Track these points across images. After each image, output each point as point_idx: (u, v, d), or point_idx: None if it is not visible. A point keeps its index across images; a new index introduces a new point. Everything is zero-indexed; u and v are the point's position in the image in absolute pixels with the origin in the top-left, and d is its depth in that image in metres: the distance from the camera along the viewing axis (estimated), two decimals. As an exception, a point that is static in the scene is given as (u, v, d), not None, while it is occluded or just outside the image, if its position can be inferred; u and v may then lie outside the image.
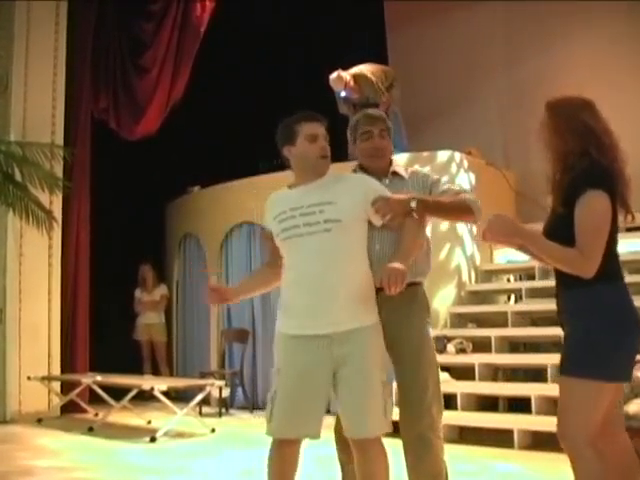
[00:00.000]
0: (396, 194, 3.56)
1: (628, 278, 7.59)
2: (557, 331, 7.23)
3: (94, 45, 9.84)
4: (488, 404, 7.30)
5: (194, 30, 9.56)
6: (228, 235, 10.15)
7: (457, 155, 8.80)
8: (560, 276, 3.17)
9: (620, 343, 2.99)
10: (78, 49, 9.67)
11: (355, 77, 9.15)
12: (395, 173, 3.83)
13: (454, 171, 8.68)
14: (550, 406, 6.61)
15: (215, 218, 10.32)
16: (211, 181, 10.26)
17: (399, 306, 3.54)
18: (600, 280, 3.01)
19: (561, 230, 3.08)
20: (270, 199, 3.75)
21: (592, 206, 3.01)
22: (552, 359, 6.86)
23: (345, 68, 9.13)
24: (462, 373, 7.56)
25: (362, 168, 3.87)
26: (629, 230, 8.28)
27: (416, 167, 4.31)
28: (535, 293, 8.13)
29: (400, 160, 8.69)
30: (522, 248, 3.30)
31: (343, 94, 9.14)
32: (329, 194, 3.52)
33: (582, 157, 3.08)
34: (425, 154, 8.75)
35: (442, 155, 8.70)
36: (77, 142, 9.57)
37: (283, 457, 3.50)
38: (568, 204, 3.07)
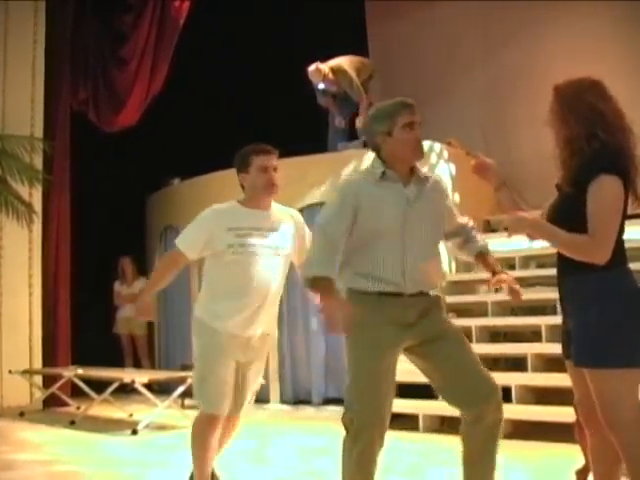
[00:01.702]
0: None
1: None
2: (537, 320, 7.31)
3: (73, 37, 9.79)
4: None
5: (173, 22, 9.55)
6: (208, 227, 10.11)
7: (437, 145, 8.81)
8: (565, 263, 3.13)
9: (629, 328, 2.99)
10: (57, 41, 9.63)
11: (333, 70, 9.16)
12: (418, 175, 3.64)
13: (434, 161, 8.70)
14: (531, 395, 6.65)
15: (196, 210, 10.14)
16: (192, 173, 10.24)
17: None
18: (609, 265, 2.99)
19: (568, 210, 3.06)
20: (224, 209, 4.28)
21: (605, 191, 2.96)
22: (532, 348, 6.91)
23: (324, 61, 9.15)
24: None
25: (388, 165, 3.54)
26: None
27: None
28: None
29: (380, 151, 8.76)
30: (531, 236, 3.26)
31: (321, 86, 9.17)
32: (279, 224, 4.22)
33: (590, 140, 3.02)
34: (405, 145, 8.75)
35: (422, 145, 8.70)
36: (57, 135, 9.54)
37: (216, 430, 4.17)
38: (577, 185, 3.02)
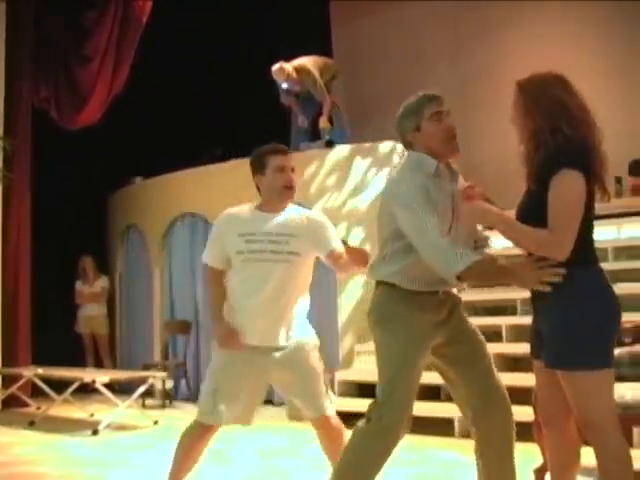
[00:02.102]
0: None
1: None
2: (498, 320, 7.38)
3: (35, 33, 9.69)
4: (431, 393, 7.37)
5: (136, 20, 9.50)
6: (171, 226, 10.11)
7: (399, 146, 8.84)
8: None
9: (608, 328, 2.99)
10: (18, 37, 9.51)
11: (297, 69, 9.18)
12: (452, 169, 3.54)
13: (396, 162, 8.73)
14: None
15: (158, 209, 10.27)
16: (154, 172, 10.20)
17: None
18: (577, 265, 2.95)
19: (534, 208, 3.01)
20: (236, 214, 4.13)
21: (566, 187, 2.92)
22: (493, 348, 6.93)
23: (288, 60, 9.16)
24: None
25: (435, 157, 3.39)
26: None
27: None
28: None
29: (342, 152, 8.80)
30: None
31: (285, 86, 9.18)
32: (292, 227, 4.03)
33: (554, 134, 2.98)
34: (367, 145, 8.82)
35: (384, 146, 8.76)
36: (17, 132, 9.43)
37: (207, 440, 4.08)
38: (541, 181, 2.98)
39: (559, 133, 2.97)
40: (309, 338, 4.18)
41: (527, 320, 7.23)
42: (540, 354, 3.13)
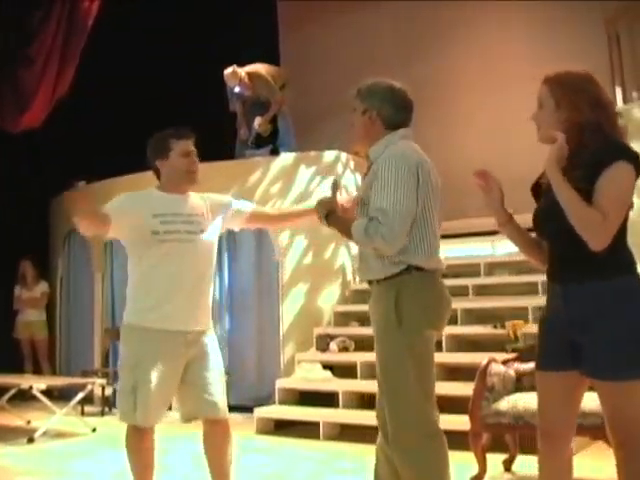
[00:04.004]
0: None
1: (508, 279, 7.91)
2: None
3: (-23, 34, 9.55)
4: (369, 402, 7.40)
5: (81, 22, 9.38)
6: (114, 232, 9.99)
7: (343, 155, 8.91)
8: (572, 268, 2.93)
9: None
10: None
11: (250, 75, 9.21)
12: None
13: (340, 171, 8.80)
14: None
15: (101, 214, 10.13)
16: (98, 176, 10.08)
17: None
18: (624, 270, 2.88)
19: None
20: (144, 195, 4.09)
21: (624, 178, 2.81)
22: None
23: (238, 66, 9.17)
24: (345, 371, 7.67)
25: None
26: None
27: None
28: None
29: (287, 160, 8.82)
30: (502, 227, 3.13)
31: (237, 89, 9.18)
32: (199, 208, 4.09)
33: (599, 129, 2.89)
34: (312, 154, 8.86)
35: (328, 155, 8.81)
36: (-43, 134, 9.29)
37: (151, 443, 4.00)
38: (590, 178, 2.83)
39: (601, 129, 2.91)
40: (212, 325, 4.14)
41: (467, 330, 7.31)
42: (563, 365, 2.98)
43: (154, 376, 3.82)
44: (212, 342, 4.06)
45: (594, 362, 2.87)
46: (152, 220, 3.92)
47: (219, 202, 4.23)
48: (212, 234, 4.09)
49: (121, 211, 3.95)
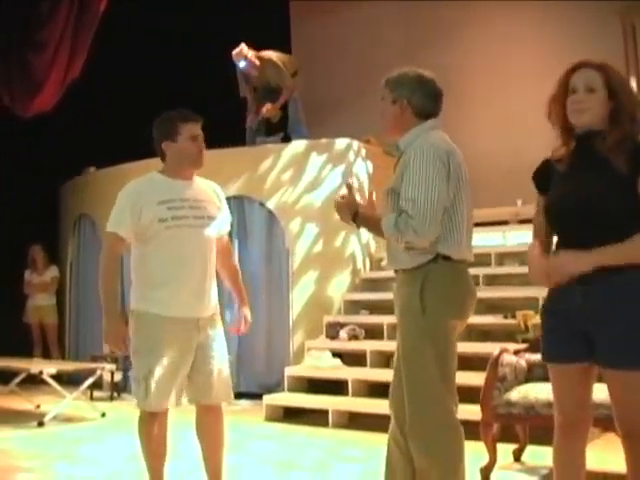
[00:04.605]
0: None
1: (518, 269, 7.88)
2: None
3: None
4: (379, 390, 7.39)
5: (93, 7, 9.36)
6: (123, 217, 9.98)
7: (355, 143, 8.88)
8: None
9: None
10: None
11: (260, 58, 9.15)
12: None
13: (352, 159, 8.77)
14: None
15: (111, 200, 10.03)
16: (109, 162, 10.07)
17: None
18: None
19: (621, 195, 2.87)
20: (148, 182, 4.04)
21: None
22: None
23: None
24: (354, 359, 7.66)
25: None
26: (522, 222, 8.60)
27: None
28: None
29: (298, 147, 8.79)
30: None
31: (242, 64, 9.09)
32: (206, 194, 4.08)
33: (637, 123, 2.94)
34: (323, 141, 8.82)
35: (340, 143, 8.77)
36: (-32, 118, 9.28)
37: (164, 429, 4.01)
38: (634, 168, 2.86)
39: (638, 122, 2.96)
40: (218, 310, 4.14)
41: (477, 320, 7.26)
42: (578, 356, 2.97)
43: (167, 362, 3.82)
44: (219, 329, 4.08)
45: (609, 350, 2.87)
46: (157, 207, 3.89)
47: (225, 206, 4.23)
48: (217, 224, 4.09)
49: (124, 221, 3.92)
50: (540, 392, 4.59)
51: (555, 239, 3.15)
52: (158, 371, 3.81)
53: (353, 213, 3.51)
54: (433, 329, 3.30)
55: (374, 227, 3.52)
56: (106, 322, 3.89)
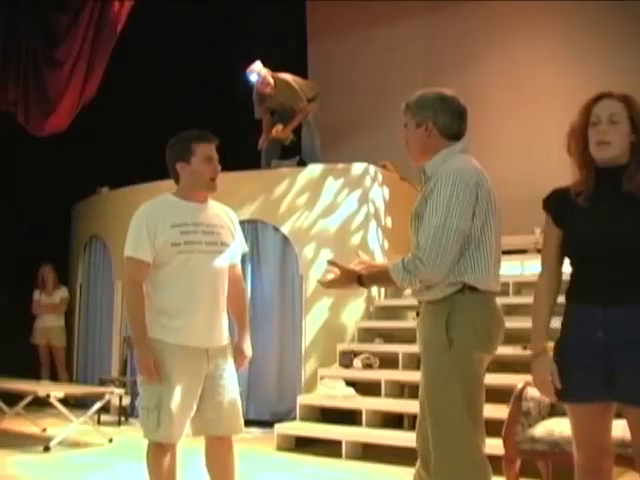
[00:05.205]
0: None
1: (518, 299, 7.72)
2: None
3: (4, 35, 9.46)
4: (393, 421, 7.24)
5: (111, 27, 9.30)
6: (135, 239, 9.88)
7: (372, 168, 8.76)
8: (620, 290, 2.85)
9: None
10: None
11: (276, 78, 9.05)
12: None
13: (368, 184, 8.64)
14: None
15: (122, 221, 9.96)
16: (121, 183, 9.99)
17: None
18: None
19: None
20: (162, 204, 3.89)
21: None
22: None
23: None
24: (368, 389, 7.50)
25: None
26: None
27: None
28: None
29: (314, 171, 8.67)
30: None
31: (254, 78, 8.99)
32: (219, 218, 3.95)
33: None
34: (340, 166, 8.70)
35: (357, 168, 8.65)
36: (-19, 137, 9.22)
37: (174, 461, 3.85)
38: None
39: None
40: (229, 340, 4.00)
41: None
42: (599, 395, 2.88)
43: (178, 392, 3.68)
44: (229, 359, 3.94)
45: (632, 387, 2.78)
46: (171, 231, 3.76)
47: (239, 232, 4.09)
48: (230, 251, 3.95)
49: (143, 244, 3.78)
50: (565, 428, 4.39)
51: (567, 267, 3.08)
52: (169, 400, 3.66)
53: (354, 280, 3.34)
54: (460, 363, 3.15)
55: (383, 280, 3.41)
56: (138, 352, 3.73)
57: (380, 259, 8.52)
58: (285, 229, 8.52)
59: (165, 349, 3.72)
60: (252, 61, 9.10)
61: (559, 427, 4.51)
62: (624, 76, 8.32)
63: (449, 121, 3.31)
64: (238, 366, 4.03)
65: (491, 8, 10.17)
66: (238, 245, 4.06)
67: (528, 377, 5.25)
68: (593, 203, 2.93)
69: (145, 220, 3.81)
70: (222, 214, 4.01)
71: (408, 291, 6.85)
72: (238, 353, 4.05)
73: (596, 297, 2.88)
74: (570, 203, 2.98)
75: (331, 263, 3.41)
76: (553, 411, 4.84)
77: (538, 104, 9.67)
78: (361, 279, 3.33)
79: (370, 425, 6.95)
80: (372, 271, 3.38)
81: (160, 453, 3.76)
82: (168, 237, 3.74)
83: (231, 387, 3.88)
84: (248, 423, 7.84)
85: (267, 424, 7.71)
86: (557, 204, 3.06)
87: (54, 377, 10.26)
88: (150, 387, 3.71)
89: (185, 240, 3.75)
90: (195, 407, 3.77)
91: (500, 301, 7.83)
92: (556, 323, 3.08)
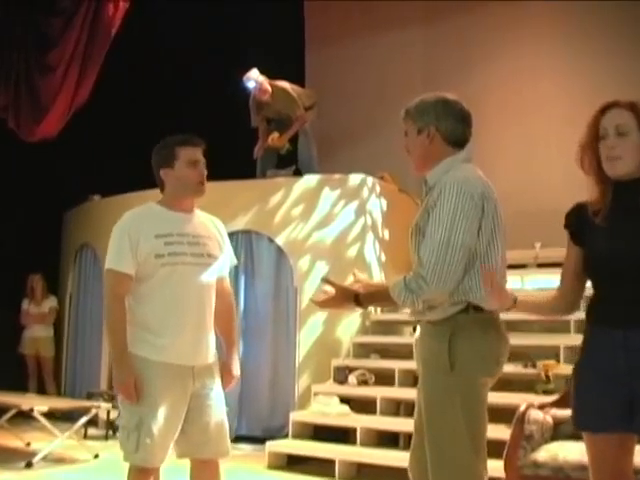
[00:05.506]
0: None
1: (518, 316, 7.56)
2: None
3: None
4: (389, 440, 7.04)
5: (104, 31, 9.14)
6: (126, 248, 9.69)
7: (369, 179, 8.57)
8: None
9: None
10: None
11: (273, 86, 8.90)
12: None
13: (365, 196, 8.45)
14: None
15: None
16: (113, 191, 9.80)
17: None
18: None
19: None
20: (145, 213, 3.67)
21: None
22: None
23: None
24: (363, 406, 7.31)
25: None
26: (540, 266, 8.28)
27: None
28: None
29: (310, 181, 8.49)
30: None
31: (251, 85, 8.86)
32: (206, 229, 3.74)
33: None
34: (337, 177, 8.52)
35: (354, 179, 8.46)
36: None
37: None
38: None
39: None
40: (217, 357, 3.78)
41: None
42: (621, 426, 2.70)
43: (162, 413, 3.44)
44: (216, 378, 3.71)
45: None
46: (154, 241, 3.54)
47: (227, 243, 3.86)
48: (218, 264, 3.73)
49: (124, 255, 3.53)
50: (570, 452, 4.23)
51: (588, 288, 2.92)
52: (151, 421, 3.42)
53: (352, 300, 3.12)
54: (462, 387, 2.95)
55: (382, 299, 3.24)
56: (117, 371, 3.49)
57: (377, 273, 8.33)
58: (280, 240, 8.33)
59: (148, 367, 3.49)
60: (249, 68, 8.96)
61: (563, 451, 4.32)
62: (628, 85, 8.17)
63: (452, 126, 3.11)
64: (225, 386, 3.79)
65: (491, 14, 10.05)
66: (227, 257, 3.83)
67: (529, 397, 5.09)
68: (610, 220, 2.77)
69: (127, 230, 3.58)
70: (209, 224, 3.79)
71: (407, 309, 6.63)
72: (225, 372, 3.81)
73: (614, 318, 2.72)
74: (589, 221, 2.83)
75: (326, 281, 3.20)
76: (556, 434, 4.65)
77: (539, 113, 9.51)
78: (358, 299, 3.11)
79: (365, 444, 6.75)
80: (370, 290, 3.18)
81: (141, 477, 3.52)
82: (151, 248, 3.52)
83: (218, 407, 3.65)
84: (239, 439, 7.71)
85: (258, 440, 7.52)
86: (577, 221, 2.91)
87: (42, 388, 10.07)
88: (130, 406, 3.47)
89: (169, 251, 3.54)
90: (180, 428, 3.54)
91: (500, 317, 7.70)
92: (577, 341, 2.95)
